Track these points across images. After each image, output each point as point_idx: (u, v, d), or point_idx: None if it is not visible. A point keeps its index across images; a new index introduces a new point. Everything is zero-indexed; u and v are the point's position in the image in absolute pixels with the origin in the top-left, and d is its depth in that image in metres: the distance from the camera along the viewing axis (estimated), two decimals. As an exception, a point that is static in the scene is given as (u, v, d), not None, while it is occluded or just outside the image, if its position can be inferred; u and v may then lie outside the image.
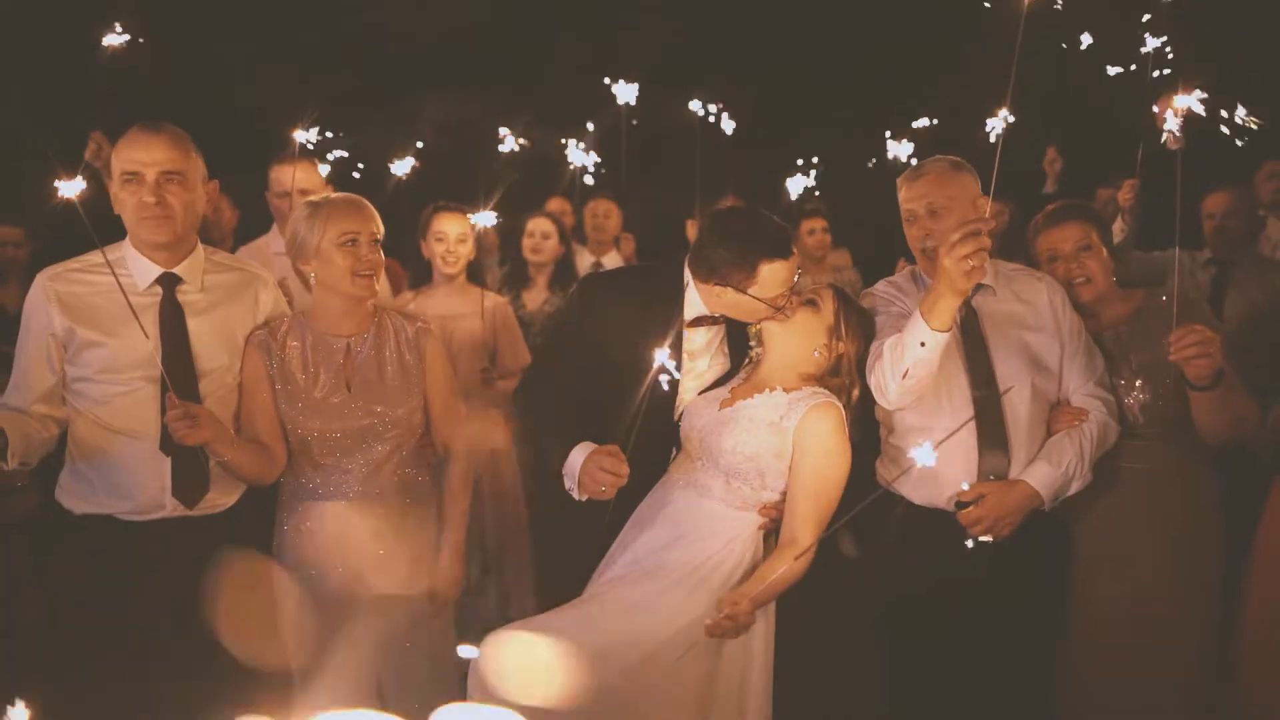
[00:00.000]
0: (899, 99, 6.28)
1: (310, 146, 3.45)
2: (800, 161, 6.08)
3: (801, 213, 5.57)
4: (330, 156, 4.25)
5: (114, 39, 2.64)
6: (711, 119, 5.51)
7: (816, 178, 6.13)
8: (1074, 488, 2.63)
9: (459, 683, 2.63)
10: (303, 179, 3.63)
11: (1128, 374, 2.79)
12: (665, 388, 2.37)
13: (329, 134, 3.82)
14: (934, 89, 5.44)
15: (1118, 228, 4.11)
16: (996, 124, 2.62)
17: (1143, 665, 2.79)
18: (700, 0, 7.29)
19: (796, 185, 5.64)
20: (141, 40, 2.66)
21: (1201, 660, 2.84)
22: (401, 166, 4.50)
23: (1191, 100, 2.24)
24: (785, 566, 2.37)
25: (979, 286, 2.69)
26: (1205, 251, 3.97)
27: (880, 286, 2.85)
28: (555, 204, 5.29)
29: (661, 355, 2.27)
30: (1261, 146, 4.33)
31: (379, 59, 7.02)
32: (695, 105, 5.28)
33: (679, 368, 2.60)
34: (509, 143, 5.09)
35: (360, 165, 4.55)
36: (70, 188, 2.03)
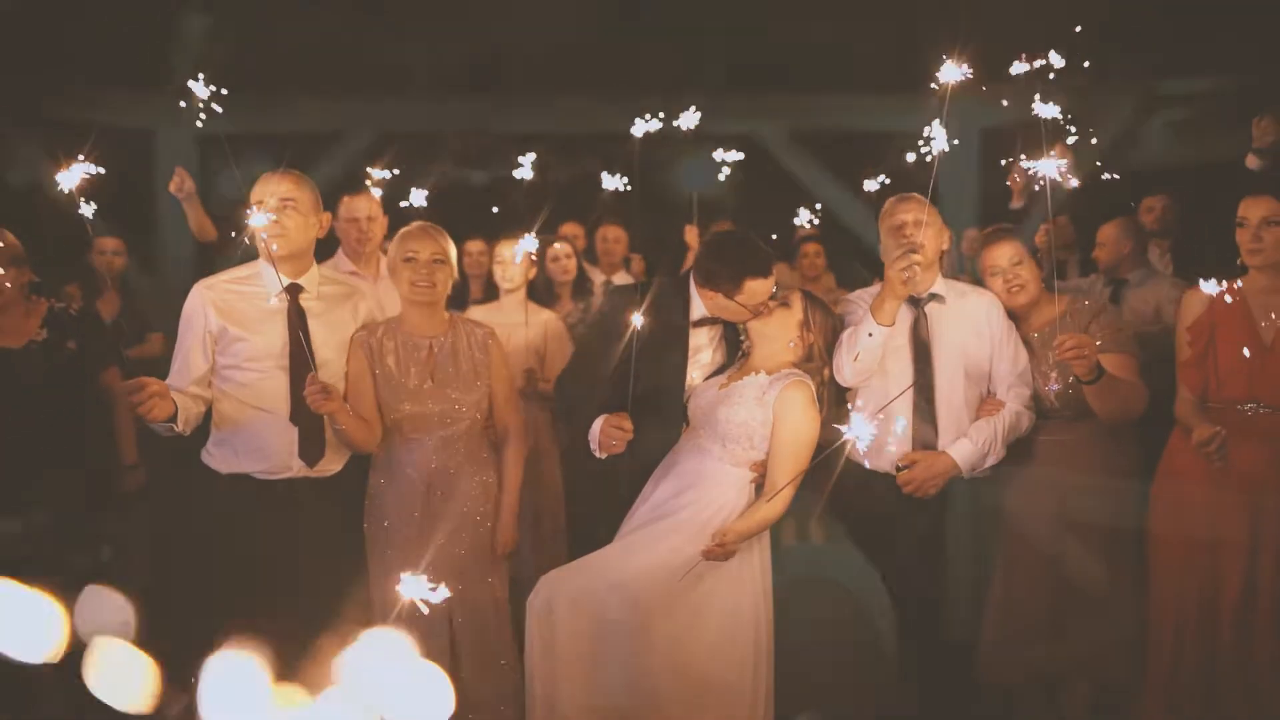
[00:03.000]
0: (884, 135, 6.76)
1: (383, 181, 3.99)
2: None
3: (800, 239, 6.12)
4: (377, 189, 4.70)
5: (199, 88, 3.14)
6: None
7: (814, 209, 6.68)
8: (989, 463, 3.25)
9: (515, 618, 3.17)
10: (367, 208, 4.21)
11: (1046, 367, 3.36)
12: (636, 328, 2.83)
13: (395, 171, 4.41)
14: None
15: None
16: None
17: (1059, 610, 3.37)
18: (704, 31, 7.74)
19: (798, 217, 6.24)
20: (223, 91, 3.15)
21: (1113, 597, 3.38)
22: (418, 198, 5.11)
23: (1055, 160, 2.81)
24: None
25: (932, 296, 3.31)
26: None
27: (855, 294, 3.46)
28: (569, 228, 5.77)
29: (636, 319, 2.80)
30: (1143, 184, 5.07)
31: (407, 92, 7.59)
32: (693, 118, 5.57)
33: (686, 360, 3.17)
34: (526, 171, 5.69)
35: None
36: (259, 218, 2.67)
